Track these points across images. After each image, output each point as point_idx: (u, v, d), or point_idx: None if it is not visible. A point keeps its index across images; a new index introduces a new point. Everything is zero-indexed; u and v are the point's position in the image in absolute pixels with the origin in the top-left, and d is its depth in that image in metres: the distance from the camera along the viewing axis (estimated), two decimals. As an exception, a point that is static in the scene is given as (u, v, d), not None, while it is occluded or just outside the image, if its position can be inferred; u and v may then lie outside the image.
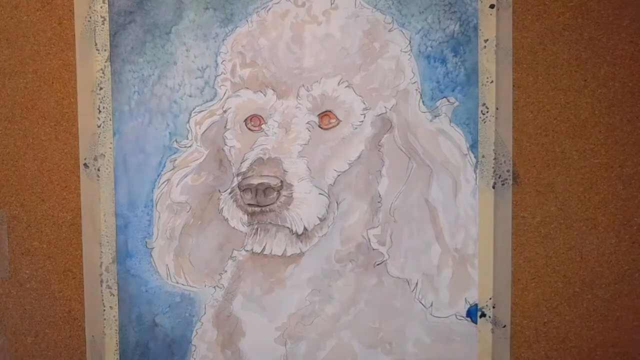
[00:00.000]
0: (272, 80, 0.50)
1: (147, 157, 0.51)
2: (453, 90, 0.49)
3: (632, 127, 0.49)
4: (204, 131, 0.51)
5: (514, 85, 0.49)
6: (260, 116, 0.50)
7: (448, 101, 0.49)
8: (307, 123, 0.50)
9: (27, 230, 0.53)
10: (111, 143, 0.51)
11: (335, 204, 0.50)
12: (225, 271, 0.51)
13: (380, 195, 0.50)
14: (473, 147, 0.49)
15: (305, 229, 0.49)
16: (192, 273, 0.51)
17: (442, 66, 0.49)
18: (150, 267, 0.51)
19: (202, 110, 0.51)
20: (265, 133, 0.50)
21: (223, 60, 0.50)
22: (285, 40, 0.50)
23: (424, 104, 0.49)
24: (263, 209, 0.49)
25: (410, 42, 0.49)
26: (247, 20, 0.50)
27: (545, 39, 0.49)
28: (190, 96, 0.51)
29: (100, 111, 0.51)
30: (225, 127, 0.51)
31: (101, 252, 0.51)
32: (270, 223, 0.49)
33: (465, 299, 0.50)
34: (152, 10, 0.50)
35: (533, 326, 0.50)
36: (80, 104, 0.51)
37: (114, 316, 0.51)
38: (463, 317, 0.50)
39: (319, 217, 0.50)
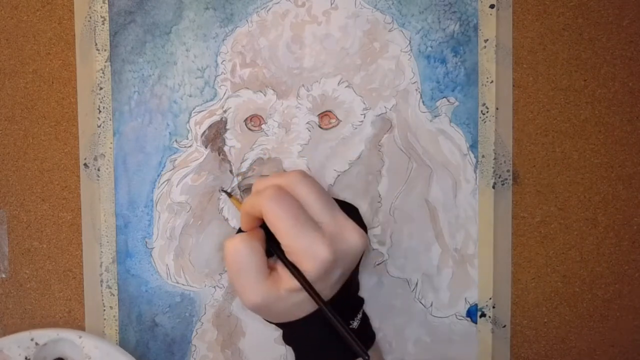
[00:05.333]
0: (272, 80, 0.50)
1: (147, 157, 0.51)
2: (453, 90, 0.49)
3: (632, 127, 0.49)
4: (204, 131, 0.51)
5: (514, 85, 0.49)
6: (260, 116, 0.50)
7: (448, 101, 0.49)
8: (307, 123, 0.50)
9: (27, 230, 0.53)
10: (111, 143, 0.51)
11: (335, 204, 0.50)
12: (226, 271, 0.51)
13: (380, 195, 0.50)
14: (473, 147, 0.49)
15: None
16: (192, 273, 0.51)
17: (442, 66, 0.49)
18: (150, 267, 0.51)
19: (202, 110, 0.51)
20: (265, 133, 0.50)
21: (223, 60, 0.50)
22: (285, 40, 0.50)
23: (424, 104, 0.49)
24: (263, 209, 0.49)
25: (410, 42, 0.49)
26: (247, 20, 0.50)
27: (545, 39, 0.49)
28: (190, 96, 0.51)
29: (100, 111, 0.51)
30: (225, 127, 0.51)
31: (101, 252, 0.51)
32: (270, 223, 0.49)
33: (465, 299, 0.50)
34: (152, 10, 0.50)
35: (533, 326, 0.50)
36: (80, 104, 0.51)
37: (114, 316, 0.51)
38: (463, 317, 0.50)
39: (319, 217, 0.49)
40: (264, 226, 0.40)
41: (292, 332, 0.41)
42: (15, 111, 0.52)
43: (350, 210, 0.46)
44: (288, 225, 0.36)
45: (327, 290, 0.38)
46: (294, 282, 0.37)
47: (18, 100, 0.52)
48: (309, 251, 0.36)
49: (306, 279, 0.36)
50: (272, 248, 0.39)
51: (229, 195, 0.47)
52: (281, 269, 0.38)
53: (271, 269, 0.39)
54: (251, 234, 0.39)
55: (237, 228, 0.50)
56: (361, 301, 0.44)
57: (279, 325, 0.41)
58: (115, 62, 0.51)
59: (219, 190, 0.50)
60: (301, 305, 0.38)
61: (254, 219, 0.39)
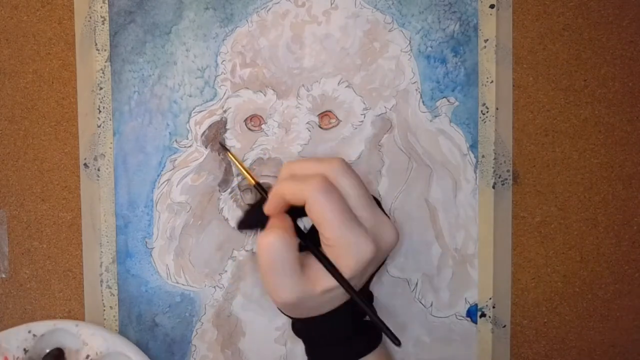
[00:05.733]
0: (272, 80, 0.50)
1: (147, 157, 0.51)
2: (453, 90, 0.49)
3: (632, 127, 0.49)
4: (204, 131, 0.51)
5: (514, 85, 0.49)
6: (260, 116, 0.50)
7: (448, 101, 0.49)
8: (307, 123, 0.50)
9: (27, 230, 0.53)
10: (111, 143, 0.51)
11: (335, 204, 0.50)
12: (225, 271, 0.51)
13: (380, 195, 0.50)
14: (473, 147, 0.49)
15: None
16: (192, 273, 0.51)
17: (442, 66, 0.49)
18: (150, 267, 0.51)
19: (202, 110, 0.51)
20: (265, 133, 0.50)
21: (223, 60, 0.50)
22: (285, 40, 0.50)
23: (424, 104, 0.49)
24: (263, 209, 0.49)
25: (410, 42, 0.49)
26: (247, 20, 0.50)
27: (545, 39, 0.49)
28: (190, 96, 0.51)
29: (100, 111, 0.51)
30: (225, 127, 0.51)
31: (101, 252, 0.51)
32: (270, 223, 0.49)
33: (465, 299, 0.50)
34: (152, 10, 0.50)
35: (533, 326, 0.50)
36: (80, 104, 0.51)
37: (114, 316, 0.51)
38: (463, 317, 0.50)
39: (319, 217, 0.49)
40: (289, 213, 0.38)
41: (307, 326, 0.40)
42: (15, 111, 0.52)
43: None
44: (337, 219, 0.34)
45: (358, 286, 0.37)
46: (330, 282, 0.35)
47: (18, 100, 0.52)
48: (354, 247, 0.34)
49: (342, 275, 0.35)
50: (306, 242, 0.38)
51: (225, 148, 0.46)
52: (314, 266, 0.36)
53: (301, 264, 0.37)
54: (283, 227, 0.36)
55: (247, 210, 0.48)
56: (372, 294, 0.44)
57: (294, 318, 0.41)
58: (115, 62, 0.51)
59: (219, 142, 0.49)
60: (330, 302, 0.37)
61: (284, 204, 0.37)
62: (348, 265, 0.35)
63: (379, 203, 0.45)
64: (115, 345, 0.49)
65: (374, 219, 0.36)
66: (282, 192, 0.37)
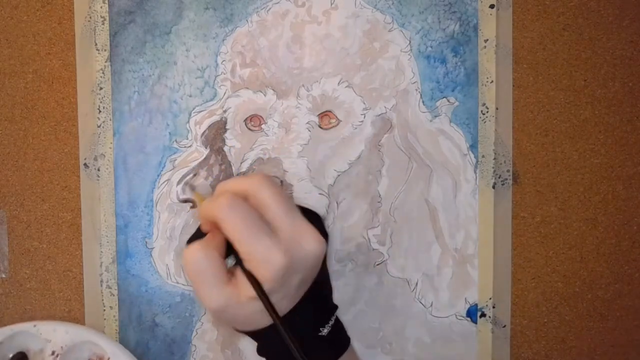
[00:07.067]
0: (272, 80, 0.50)
1: (147, 157, 0.51)
2: (453, 90, 0.49)
3: (632, 127, 0.49)
4: (204, 131, 0.51)
5: (514, 85, 0.49)
6: (260, 116, 0.50)
7: (448, 101, 0.49)
8: (307, 123, 0.50)
9: (27, 230, 0.53)
10: (111, 143, 0.51)
11: (335, 204, 0.50)
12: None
13: (380, 195, 0.50)
14: (473, 147, 0.49)
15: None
16: (192, 273, 0.51)
17: (442, 66, 0.49)
18: (150, 267, 0.51)
19: (202, 110, 0.51)
20: (265, 133, 0.50)
21: (223, 60, 0.50)
22: (285, 40, 0.50)
23: (424, 104, 0.49)
24: (263, 209, 0.49)
25: (410, 42, 0.49)
26: (247, 20, 0.50)
27: (545, 39, 0.49)
28: (190, 96, 0.51)
29: (100, 111, 0.51)
30: (225, 127, 0.51)
31: (101, 252, 0.51)
32: (270, 223, 0.49)
33: (465, 298, 0.50)
34: (152, 10, 0.50)
35: (533, 326, 0.50)
36: (80, 104, 0.51)
37: (114, 316, 0.51)
38: (463, 317, 0.50)
39: (319, 217, 0.50)
40: None
41: (263, 342, 0.41)
42: (15, 111, 0.52)
43: (313, 218, 0.46)
44: (243, 233, 0.36)
45: (287, 299, 0.38)
46: (253, 290, 0.37)
47: (18, 100, 0.52)
48: (264, 258, 0.36)
49: (262, 288, 0.36)
50: (234, 255, 0.39)
51: (193, 189, 0.47)
52: (241, 276, 0.38)
53: (232, 275, 0.38)
54: (210, 240, 0.38)
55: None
56: (334, 307, 0.43)
57: (249, 334, 0.41)
58: (115, 62, 0.51)
59: (186, 184, 0.50)
60: (264, 314, 0.37)
61: (209, 222, 0.39)
62: (263, 276, 0.36)
63: (318, 218, 0.45)
64: (79, 335, 0.49)
65: (294, 229, 0.37)
66: (201, 213, 0.39)
